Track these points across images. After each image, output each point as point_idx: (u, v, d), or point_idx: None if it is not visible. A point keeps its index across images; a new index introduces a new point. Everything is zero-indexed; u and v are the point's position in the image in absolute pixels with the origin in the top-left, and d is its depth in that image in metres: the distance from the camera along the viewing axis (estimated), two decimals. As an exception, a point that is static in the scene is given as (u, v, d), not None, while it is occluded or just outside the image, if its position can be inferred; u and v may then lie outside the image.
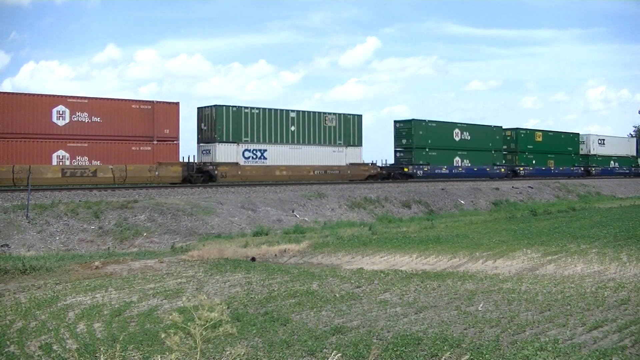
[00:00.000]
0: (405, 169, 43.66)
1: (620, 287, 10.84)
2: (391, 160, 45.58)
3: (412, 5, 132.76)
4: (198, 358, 4.91)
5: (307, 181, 36.43)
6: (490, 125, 50.39)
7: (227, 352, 7.20)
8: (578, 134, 60.38)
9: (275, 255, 17.39)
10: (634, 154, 67.91)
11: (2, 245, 19.35)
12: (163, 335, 5.00)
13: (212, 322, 4.89)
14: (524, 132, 53.99)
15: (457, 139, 47.08)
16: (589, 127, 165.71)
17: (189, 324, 4.90)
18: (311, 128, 37.47)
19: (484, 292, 10.77)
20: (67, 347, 8.12)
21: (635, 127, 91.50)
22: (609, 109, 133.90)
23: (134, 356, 7.62)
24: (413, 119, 44.88)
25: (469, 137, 47.75)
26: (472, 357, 6.98)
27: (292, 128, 36.60)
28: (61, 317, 9.77)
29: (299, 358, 7.33)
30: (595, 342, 7.54)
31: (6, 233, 20.22)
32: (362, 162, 40.49)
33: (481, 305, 9.74)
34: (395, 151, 45.59)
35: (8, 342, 8.48)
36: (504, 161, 51.68)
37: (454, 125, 47.43)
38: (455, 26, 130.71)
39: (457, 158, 47.05)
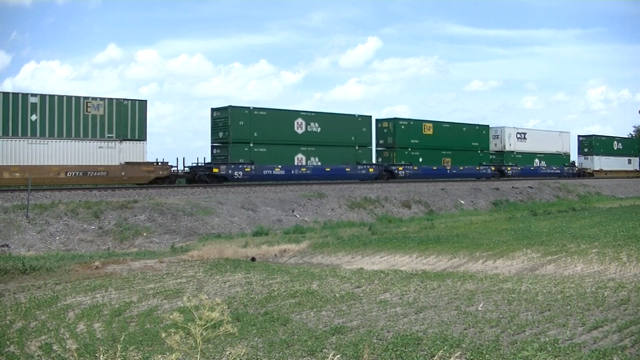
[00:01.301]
0: (215, 170, 34.42)
1: (620, 287, 10.84)
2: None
3: (412, 5, 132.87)
4: (198, 358, 4.91)
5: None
6: (355, 115, 40.97)
7: (228, 352, 7.20)
8: (487, 126, 50.67)
9: (275, 255, 17.39)
10: (567, 150, 59.93)
11: (2, 245, 19.35)
12: (164, 335, 5.00)
13: (212, 322, 4.89)
14: (406, 123, 44.31)
15: (299, 131, 37.67)
16: (589, 127, 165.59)
17: (189, 323, 4.90)
18: (64, 117, 29.41)
19: (484, 292, 10.77)
20: (67, 347, 8.12)
21: (635, 127, 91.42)
22: (609, 109, 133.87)
23: (134, 356, 7.62)
24: (230, 106, 35.30)
25: (319, 130, 38.45)
26: (468, 356, 6.98)
27: (34, 117, 28.70)
28: (61, 317, 9.77)
29: (299, 358, 7.33)
30: (595, 342, 7.54)
31: (6, 233, 20.22)
32: (144, 160, 32.15)
33: (481, 305, 9.74)
34: (212, 147, 36.72)
35: (8, 342, 8.48)
36: (380, 159, 43.66)
37: (295, 114, 38.28)
38: (455, 26, 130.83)
39: (300, 155, 37.78)
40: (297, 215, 27.59)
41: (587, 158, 62.88)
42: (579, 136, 64.83)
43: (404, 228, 23.48)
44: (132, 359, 7.54)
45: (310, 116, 38.53)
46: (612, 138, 67.52)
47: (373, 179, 40.75)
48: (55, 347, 8.12)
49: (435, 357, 6.43)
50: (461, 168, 47.41)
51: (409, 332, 8.13)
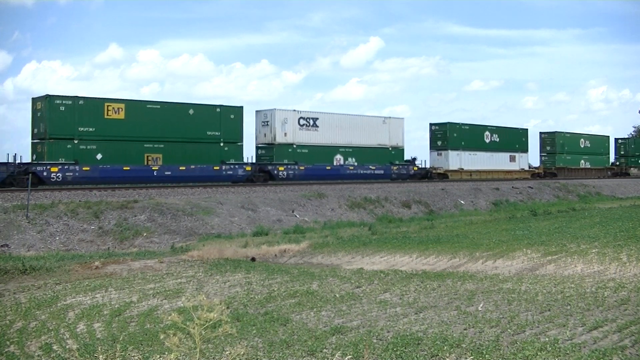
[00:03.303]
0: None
1: (620, 287, 10.83)
2: None
3: (411, 5, 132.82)
4: (198, 358, 4.92)
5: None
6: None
7: (227, 352, 7.20)
8: (241, 107, 35.78)
9: (275, 255, 17.39)
10: (400, 143, 43.95)
11: (2, 245, 19.36)
12: (162, 336, 5.00)
13: (211, 322, 4.89)
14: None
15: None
16: (590, 127, 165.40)
17: (188, 324, 4.90)
18: None
19: (484, 292, 10.77)
20: (67, 347, 8.12)
21: (635, 127, 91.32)
22: (610, 109, 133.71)
23: (134, 356, 7.62)
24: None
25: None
26: (468, 356, 6.98)
27: None
28: (61, 317, 9.77)
29: (299, 358, 7.33)
30: (595, 342, 7.54)
31: (6, 233, 20.22)
32: None
33: (481, 305, 9.73)
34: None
35: (8, 342, 8.49)
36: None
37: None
38: (455, 26, 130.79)
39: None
40: (297, 215, 27.60)
41: (441, 154, 48.05)
42: (431, 124, 49.59)
43: (404, 228, 23.48)
44: (131, 359, 7.55)
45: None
46: (483, 127, 52.15)
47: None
48: (55, 347, 8.12)
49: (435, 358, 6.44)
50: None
51: (409, 332, 8.12)
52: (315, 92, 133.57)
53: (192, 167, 32.85)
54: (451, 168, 48.07)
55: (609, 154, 67.96)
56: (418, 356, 7.16)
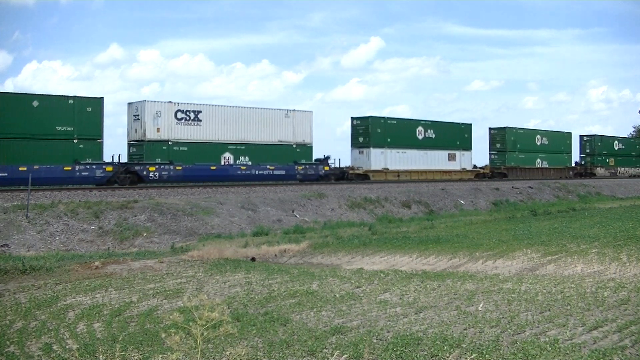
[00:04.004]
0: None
1: (620, 287, 10.84)
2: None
3: (411, 5, 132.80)
4: (199, 358, 4.92)
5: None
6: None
7: (228, 353, 7.20)
8: (100, 99, 30.94)
9: (275, 255, 17.39)
10: (307, 140, 39.07)
11: (2, 245, 19.35)
12: (164, 335, 5.01)
13: (212, 323, 4.90)
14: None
15: None
16: (590, 127, 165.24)
17: (190, 324, 4.91)
18: None
19: (484, 292, 10.77)
20: (67, 347, 8.12)
21: (635, 127, 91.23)
22: (610, 109, 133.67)
23: (133, 356, 7.62)
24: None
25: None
26: (468, 356, 6.98)
27: None
28: (61, 317, 9.77)
29: (299, 358, 7.33)
30: (595, 342, 7.54)
31: (6, 233, 20.23)
32: None
33: (481, 305, 9.74)
34: None
35: (8, 342, 8.49)
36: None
37: None
38: (455, 26, 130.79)
39: None
40: (297, 215, 27.60)
41: (362, 152, 43.15)
42: (352, 118, 44.40)
43: (404, 228, 23.48)
44: (131, 359, 7.55)
45: None
46: (415, 122, 46.28)
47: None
48: (55, 347, 8.12)
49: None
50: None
51: (409, 332, 8.13)
52: (316, 92, 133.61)
53: (36, 167, 27.90)
54: (373, 168, 42.59)
55: (570, 152, 61.69)
56: (418, 356, 7.16)
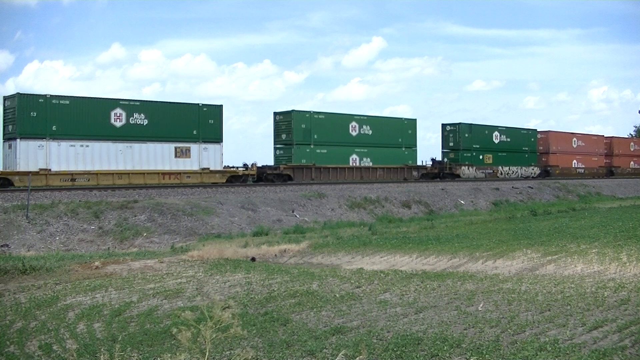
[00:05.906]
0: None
1: (620, 287, 10.83)
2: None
3: (411, 5, 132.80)
4: (207, 358, 4.92)
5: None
6: None
7: (235, 355, 7.18)
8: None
9: (275, 255, 17.39)
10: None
11: (2, 245, 19.36)
12: (174, 331, 5.02)
13: (222, 325, 4.89)
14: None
15: None
16: (590, 127, 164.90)
17: (201, 324, 4.91)
18: None
19: (484, 292, 10.77)
20: (67, 347, 8.12)
21: (636, 127, 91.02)
22: (611, 109, 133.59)
23: (133, 356, 7.62)
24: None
25: None
26: (468, 356, 6.98)
27: None
28: (61, 317, 9.77)
29: (299, 358, 7.33)
30: (595, 342, 7.54)
31: (6, 233, 20.23)
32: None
33: (481, 305, 9.73)
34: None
35: (8, 342, 8.49)
36: None
37: None
38: (456, 26, 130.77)
39: None
40: (297, 215, 27.60)
41: (11, 146, 29.43)
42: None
43: (404, 228, 23.48)
44: (131, 359, 7.55)
45: None
46: (111, 102, 31.62)
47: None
48: (55, 347, 8.12)
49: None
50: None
51: (409, 332, 8.12)
52: (317, 92, 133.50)
53: None
54: (21, 169, 28.29)
55: (415, 146, 45.10)
56: (418, 356, 7.16)
